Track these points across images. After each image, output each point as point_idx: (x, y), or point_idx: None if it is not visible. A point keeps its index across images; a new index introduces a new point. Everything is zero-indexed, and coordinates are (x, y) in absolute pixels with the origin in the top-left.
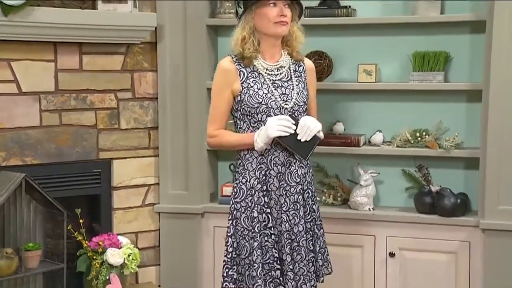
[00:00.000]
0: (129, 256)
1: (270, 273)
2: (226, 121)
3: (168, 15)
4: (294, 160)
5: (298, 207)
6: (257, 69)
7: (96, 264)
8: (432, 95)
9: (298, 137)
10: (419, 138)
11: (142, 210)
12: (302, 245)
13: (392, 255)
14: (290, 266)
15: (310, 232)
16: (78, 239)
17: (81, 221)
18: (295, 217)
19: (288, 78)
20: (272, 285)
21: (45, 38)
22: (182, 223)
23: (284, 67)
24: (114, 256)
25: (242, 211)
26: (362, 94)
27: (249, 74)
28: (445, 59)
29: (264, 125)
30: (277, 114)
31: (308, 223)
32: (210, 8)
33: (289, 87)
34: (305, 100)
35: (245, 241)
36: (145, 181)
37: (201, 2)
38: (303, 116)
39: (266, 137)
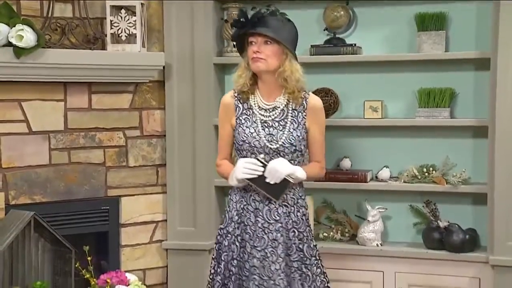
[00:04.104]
0: None
1: None
2: (230, 152)
3: (176, 54)
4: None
5: (277, 244)
6: (251, 106)
7: None
8: (439, 131)
9: (266, 180)
10: (426, 174)
11: (150, 247)
12: (278, 284)
13: None
14: None
15: (298, 272)
16: (86, 276)
17: (89, 258)
18: (273, 255)
19: (282, 118)
20: None
21: (55, 79)
22: (190, 259)
23: (279, 107)
24: None
25: (224, 237)
26: (369, 130)
27: (244, 111)
28: (451, 95)
29: None
30: (261, 153)
31: (295, 262)
32: (217, 47)
33: (279, 127)
34: (293, 142)
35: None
36: (153, 218)
37: (209, 41)
38: (292, 156)
39: (234, 178)
